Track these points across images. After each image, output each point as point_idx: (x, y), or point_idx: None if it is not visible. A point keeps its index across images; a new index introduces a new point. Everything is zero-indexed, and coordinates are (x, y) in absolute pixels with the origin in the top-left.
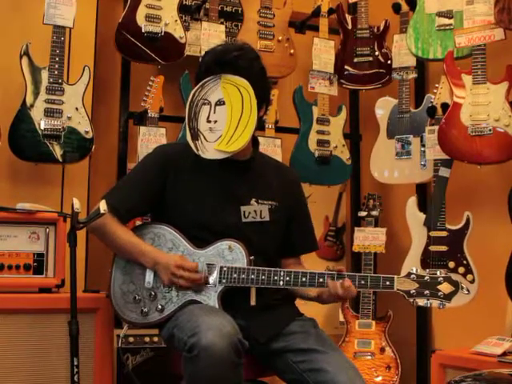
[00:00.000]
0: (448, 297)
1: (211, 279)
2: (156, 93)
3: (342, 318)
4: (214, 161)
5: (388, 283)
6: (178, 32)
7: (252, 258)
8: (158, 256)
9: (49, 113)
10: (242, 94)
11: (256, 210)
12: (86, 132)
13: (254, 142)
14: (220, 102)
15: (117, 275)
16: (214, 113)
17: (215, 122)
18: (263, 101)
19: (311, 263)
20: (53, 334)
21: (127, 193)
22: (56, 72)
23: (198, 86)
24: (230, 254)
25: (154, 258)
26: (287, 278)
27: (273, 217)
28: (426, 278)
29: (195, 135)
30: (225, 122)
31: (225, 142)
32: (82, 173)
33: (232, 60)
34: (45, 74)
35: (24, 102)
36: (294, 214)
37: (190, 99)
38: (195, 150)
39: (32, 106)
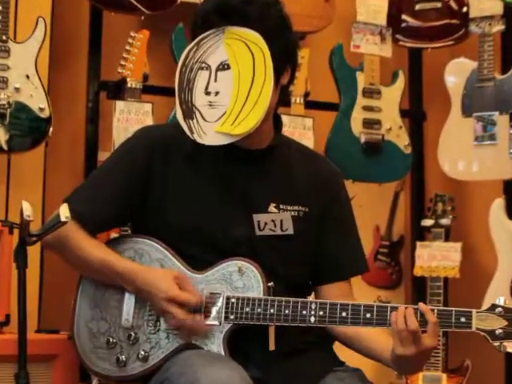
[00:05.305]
0: None
1: (214, 315)
2: (138, 54)
3: None
4: (218, 149)
5: (464, 320)
6: None
7: (271, 284)
8: (141, 278)
9: None
10: (254, 53)
11: (275, 220)
12: (41, 109)
13: (276, 122)
14: (223, 66)
15: (83, 309)
16: (215, 81)
17: (216, 93)
18: (285, 63)
19: (356, 292)
20: None
21: (98, 194)
22: None
23: (192, 43)
24: (240, 278)
25: (134, 281)
26: (321, 313)
27: (299, 228)
28: None
29: (189, 112)
30: (230, 93)
31: (230, 121)
32: (36, 165)
33: (238, 6)
34: None
35: None
36: (330, 222)
37: (181, 62)
38: (189, 133)
39: None
